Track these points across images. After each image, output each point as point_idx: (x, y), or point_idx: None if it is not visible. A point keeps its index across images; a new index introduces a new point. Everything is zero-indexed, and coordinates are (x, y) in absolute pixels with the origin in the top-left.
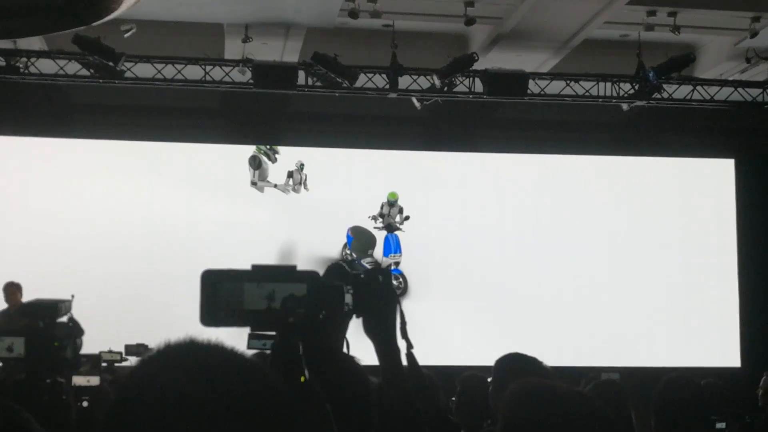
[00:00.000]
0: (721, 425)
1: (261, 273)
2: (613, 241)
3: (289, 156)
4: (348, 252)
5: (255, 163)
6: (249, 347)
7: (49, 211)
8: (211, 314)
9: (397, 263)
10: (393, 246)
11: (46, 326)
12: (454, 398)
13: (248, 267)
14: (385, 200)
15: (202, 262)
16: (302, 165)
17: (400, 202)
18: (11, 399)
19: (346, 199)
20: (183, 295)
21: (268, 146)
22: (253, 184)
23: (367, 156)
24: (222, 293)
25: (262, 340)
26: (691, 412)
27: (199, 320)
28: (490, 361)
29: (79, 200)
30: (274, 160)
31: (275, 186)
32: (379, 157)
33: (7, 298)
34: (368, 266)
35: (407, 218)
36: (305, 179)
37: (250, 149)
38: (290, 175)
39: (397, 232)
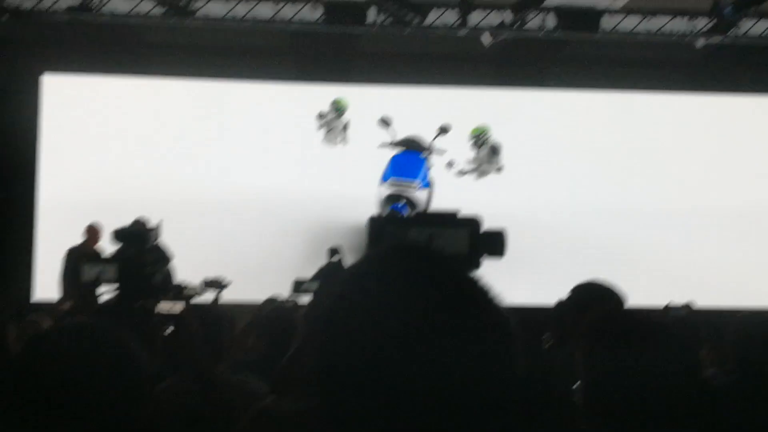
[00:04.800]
0: None
1: (423, 218)
2: (686, 179)
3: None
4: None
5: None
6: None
7: (122, 150)
8: None
9: (405, 199)
10: (403, 167)
11: (138, 252)
12: None
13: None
14: (469, 140)
15: (270, 199)
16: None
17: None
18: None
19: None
20: (254, 232)
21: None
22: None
23: (437, 94)
24: (387, 237)
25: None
26: None
27: None
28: (556, 298)
29: (152, 139)
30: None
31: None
32: (448, 95)
33: (89, 240)
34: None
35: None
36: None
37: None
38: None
39: (484, 175)
